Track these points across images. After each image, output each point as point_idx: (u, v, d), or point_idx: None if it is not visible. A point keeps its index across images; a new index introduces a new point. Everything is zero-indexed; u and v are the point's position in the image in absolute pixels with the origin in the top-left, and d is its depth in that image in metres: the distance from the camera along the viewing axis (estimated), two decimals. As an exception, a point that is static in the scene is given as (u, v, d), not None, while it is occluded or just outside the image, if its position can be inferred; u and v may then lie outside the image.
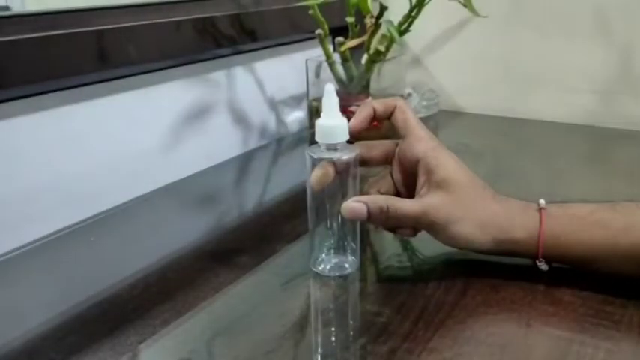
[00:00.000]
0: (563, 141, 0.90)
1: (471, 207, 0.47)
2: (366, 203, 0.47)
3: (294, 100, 0.96)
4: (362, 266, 0.52)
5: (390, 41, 0.81)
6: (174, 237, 0.61)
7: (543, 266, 0.48)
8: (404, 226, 0.49)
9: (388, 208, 0.47)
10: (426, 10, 0.78)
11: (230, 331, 0.45)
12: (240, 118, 0.86)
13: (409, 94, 0.99)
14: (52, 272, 0.56)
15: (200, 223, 0.66)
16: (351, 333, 0.45)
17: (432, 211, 0.47)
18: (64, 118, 0.63)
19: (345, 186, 0.49)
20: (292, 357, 0.42)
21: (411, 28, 0.80)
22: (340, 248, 0.51)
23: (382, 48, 0.82)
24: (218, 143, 0.83)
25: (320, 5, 0.78)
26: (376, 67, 0.84)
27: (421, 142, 0.49)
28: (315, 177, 0.47)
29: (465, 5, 0.78)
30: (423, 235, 0.50)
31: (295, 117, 0.97)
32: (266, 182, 0.80)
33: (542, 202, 0.49)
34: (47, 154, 0.62)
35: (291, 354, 0.42)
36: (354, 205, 0.47)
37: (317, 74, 0.87)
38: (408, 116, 0.51)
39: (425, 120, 0.99)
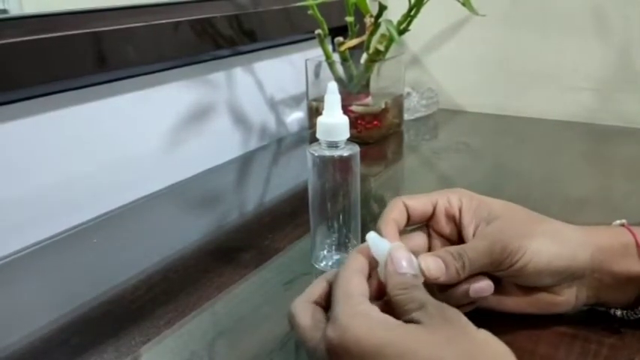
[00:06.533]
0: (563, 139, 0.90)
1: (537, 222, 0.41)
2: (441, 257, 0.39)
3: (294, 101, 0.96)
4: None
5: (389, 40, 0.82)
6: (176, 238, 0.61)
7: None
8: (475, 273, 0.40)
9: (460, 254, 0.39)
10: (424, 10, 0.79)
11: (234, 331, 0.45)
12: (240, 119, 0.86)
13: (408, 94, 0.99)
14: (55, 274, 0.56)
15: (202, 223, 0.66)
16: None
17: (498, 236, 0.40)
18: (64, 121, 0.63)
19: (345, 183, 0.49)
20: (295, 357, 0.42)
21: (410, 27, 0.81)
22: (341, 245, 0.51)
23: (381, 47, 0.82)
24: (218, 144, 0.83)
25: (319, 5, 0.78)
26: (375, 67, 0.85)
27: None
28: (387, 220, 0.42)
29: (463, 4, 0.78)
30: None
31: (295, 117, 0.97)
32: (267, 182, 0.80)
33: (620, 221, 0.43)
34: (47, 156, 0.62)
35: (294, 353, 0.42)
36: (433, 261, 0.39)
37: (316, 74, 0.87)
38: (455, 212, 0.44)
39: (424, 119, 1.00)
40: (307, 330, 0.35)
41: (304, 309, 0.37)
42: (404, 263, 0.36)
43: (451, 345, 0.31)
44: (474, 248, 0.40)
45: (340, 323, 0.33)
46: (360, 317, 0.33)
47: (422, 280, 0.37)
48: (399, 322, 0.33)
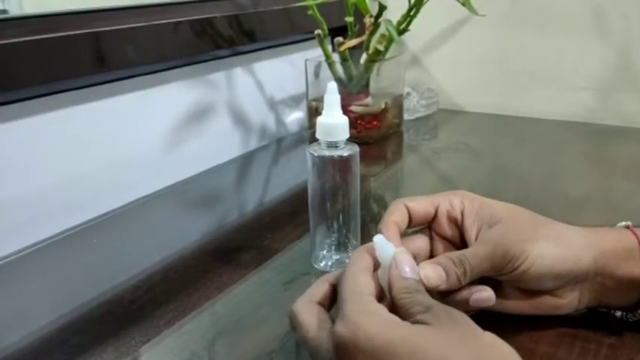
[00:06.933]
0: (563, 138, 0.90)
1: (539, 225, 0.41)
2: (441, 264, 0.39)
3: (294, 101, 0.96)
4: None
5: (388, 41, 0.82)
6: (177, 238, 0.61)
7: None
8: (477, 277, 0.40)
9: (461, 260, 0.39)
10: (424, 10, 0.79)
11: (234, 331, 0.45)
12: (240, 119, 0.86)
13: (408, 94, 0.99)
14: (55, 274, 0.56)
15: (202, 223, 0.66)
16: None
17: (500, 241, 0.39)
18: (64, 121, 0.63)
19: (345, 184, 0.49)
20: (295, 356, 0.42)
21: (410, 27, 0.81)
22: (341, 245, 0.51)
23: (381, 47, 0.82)
24: (218, 144, 0.83)
25: (319, 5, 0.78)
26: (375, 67, 0.85)
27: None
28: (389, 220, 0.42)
29: (463, 4, 0.78)
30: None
31: (295, 117, 0.97)
32: (267, 182, 0.80)
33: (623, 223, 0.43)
34: (47, 156, 0.62)
35: (294, 353, 0.42)
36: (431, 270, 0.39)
37: (316, 74, 0.88)
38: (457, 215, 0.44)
39: (424, 119, 1.00)
40: (311, 329, 0.35)
41: (308, 309, 0.37)
42: (407, 268, 0.36)
43: (461, 345, 0.31)
44: (476, 254, 0.39)
45: (351, 320, 0.33)
46: (370, 315, 0.33)
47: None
48: (408, 322, 0.33)
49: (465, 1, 0.78)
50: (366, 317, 0.33)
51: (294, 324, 0.37)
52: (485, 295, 0.40)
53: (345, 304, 0.34)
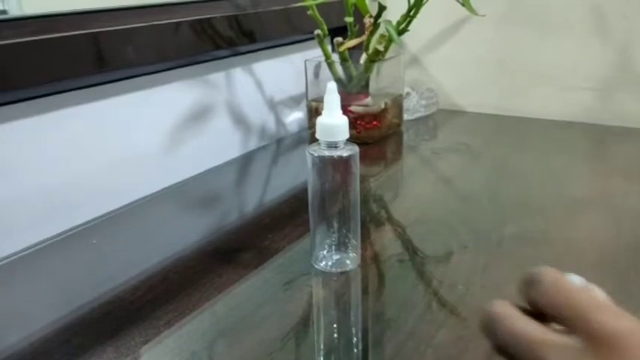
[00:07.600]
0: (562, 139, 0.90)
1: None
2: None
3: (294, 101, 0.96)
4: (364, 264, 0.52)
5: (388, 41, 0.82)
6: (176, 238, 0.61)
7: None
8: None
9: None
10: (424, 10, 0.79)
11: (234, 332, 0.45)
12: (239, 120, 0.86)
13: (408, 94, 0.99)
14: (55, 275, 0.56)
15: (202, 224, 0.66)
16: (355, 331, 0.45)
17: None
18: (63, 122, 0.63)
19: (345, 184, 0.49)
20: (296, 357, 0.42)
21: (410, 27, 0.81)
22: (341, 245, 0.51)
23: (381, 48, 0.82)
24: (218, 144, 0.83)
25: (318, 5, 0.78)
26: (375, 67, 0.85)
27: None
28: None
29: (463, 4, 0.78)
30: (424, 232, 0.50)
31: (295, 117, 0.97)
32: (267, 182, 0.80)
33: None
34: (47, 156, 0.62)
35: (294, 354, 0.42)
36: None
37: (316, 74, 0.88)
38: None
39: (424, 119, 1.00)
40: (538, 332, 0.30)
41: (516, 315, 0.31)
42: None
43: None
44: None
45: (623, 314, 0.30)
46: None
47: None
48: None
49: (464, 1, 0.78)
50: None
51: (500, 332, 0.31)
52: None
53: (588, 306, 0.30)
